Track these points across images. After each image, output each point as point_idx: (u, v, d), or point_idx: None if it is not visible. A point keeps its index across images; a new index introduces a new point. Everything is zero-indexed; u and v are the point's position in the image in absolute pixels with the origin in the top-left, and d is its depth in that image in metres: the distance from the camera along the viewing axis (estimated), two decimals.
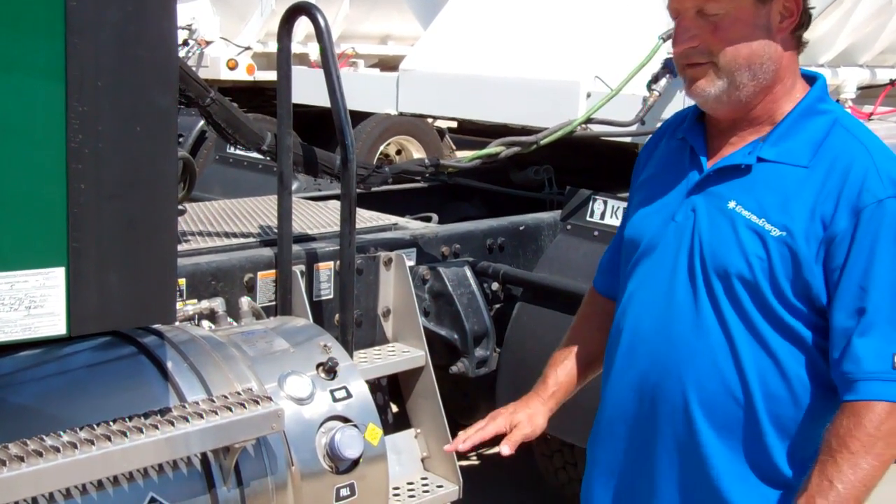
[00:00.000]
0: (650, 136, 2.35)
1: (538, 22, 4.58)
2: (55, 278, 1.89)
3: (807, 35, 2.02)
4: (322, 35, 3.04)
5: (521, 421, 2.30)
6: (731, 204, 1.94)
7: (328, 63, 3.06)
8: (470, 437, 2.30)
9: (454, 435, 3.46)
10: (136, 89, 1.94)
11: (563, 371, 2.35)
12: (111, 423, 2.13)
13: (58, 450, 2.00)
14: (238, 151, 5.15)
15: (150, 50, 1.95)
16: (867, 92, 4.90)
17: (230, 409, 2.27)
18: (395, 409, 3.85)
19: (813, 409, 1.93)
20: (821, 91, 1.99)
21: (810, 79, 2.03)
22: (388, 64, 9.44)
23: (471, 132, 7.71)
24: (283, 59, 3.19)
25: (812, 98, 1.97)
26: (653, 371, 2.04)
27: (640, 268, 2.10)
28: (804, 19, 1.96)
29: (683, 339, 1.98)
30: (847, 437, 1.81)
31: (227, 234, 3.57)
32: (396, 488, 3.36)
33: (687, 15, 1.94)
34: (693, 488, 2.02)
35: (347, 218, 3.09)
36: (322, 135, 7.97)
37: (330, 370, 2.67)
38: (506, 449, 2.25)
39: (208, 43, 8.63)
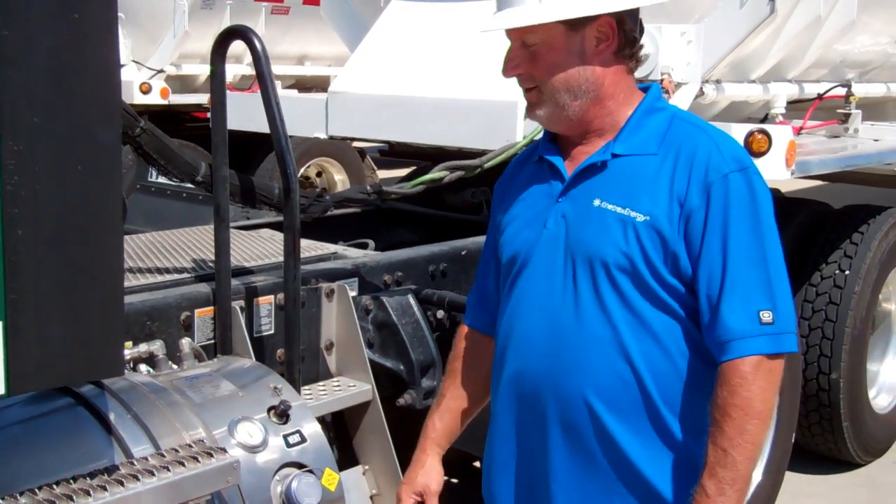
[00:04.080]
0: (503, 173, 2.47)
1: (473, 41, 4.49)
2: None
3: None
4: (259, 59, 2.90)
5: (424, 485, 2.41)
6: (597, 201, 2.09)
7: (267, 88, 2.91)
8: None
9: (404, 470, 3.37)
10: (75, 124, 1.80)
11: (444, 416, 2.47)
12: (54, 486, 1.97)
13: None
14: (161, 180, 4.96)
15: (90, 81, 1.81)
16: (796, 106, 4.94)
17: (182, 464, 2.12)
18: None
19: (695, 379, 2.07)
20: (656, 94, 2.20)
21: (646, 90, 2.23)
22: (306, 84, 9.31)
23: (404, 154, 7.61)
24: (218, 85, 3.04)
25: (650, 100, 2.17)
26: (546, 372, 2.13)
27: (520, 280, 2.20)
28: (625, 41, 2.11)
29: (572, 337, 2.09)
30: (726, 406, 1.96)
31: (158, 270, 3.39)
32: None
33: (514, 46, 2.12)
34: (604, 475, 2.11)
35: (292, 251, 2.94)
36: (239, 160, 7.79)
37: (282, 414, 2.54)
38: None
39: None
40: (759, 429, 1.97)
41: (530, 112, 2.15)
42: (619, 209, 2.05)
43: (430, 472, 2.41)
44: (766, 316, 1.97)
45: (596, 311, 2.07)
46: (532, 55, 2.08)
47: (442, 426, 2.45)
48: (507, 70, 2.13)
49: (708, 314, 2.01)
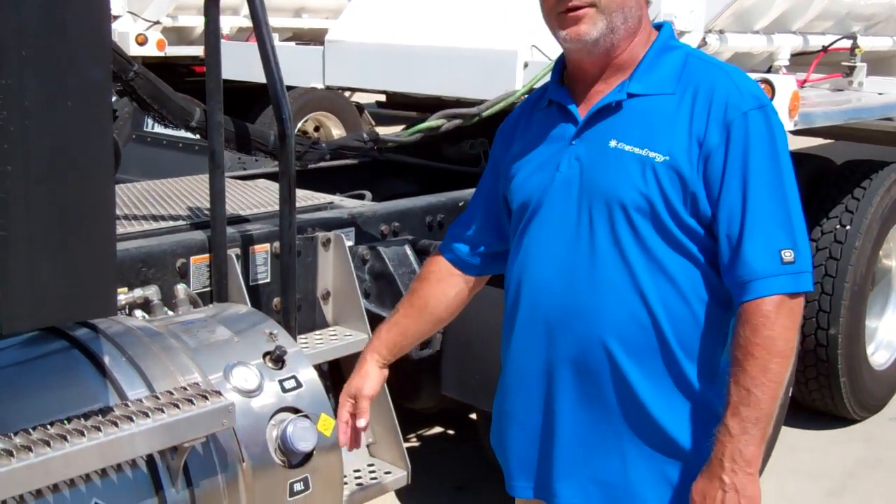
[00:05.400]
0: (506, 118, 2.42)
1: None
2: None
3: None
4: (254, 4, 2.85)
5: (358, 388, 2.38)
6: (613, 142, 2.06)
7: (262, 34, 2.87)
8: (349, 435, 2.39)
9: (399, 419, 3.38)
10: (65, 60, 1.77)
11: (392, 329, 2.43)
12: (49, 427, 1.96)
13: None
14: (156, 130, 4.92)
15: (79, 15, 1.78)
16: (800, 59, 4.89)
17: (177, 406, 2.12)
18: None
19: (712, 324, 2.07)
20: (669, 33, 2.18)
21: (658, 28, 2.20)
22: (303, 37, 9.19)
23: (401, 106, 7.54)
24: (212, 31, 2.99)
25: (664, 38, 2.15)
26: (562, 316, 2.11)
27: (532, 224, 2.18)
28: None
29: (587, 281, 2.07)
30: (748, 345, 1.95)
31: (154, 218, 3.37)
32: (343, 477, 3.22)
33: None
34: (617, 419, 2.10)
35: (287, 198, 2.92)
36: (237, 111, 7.71)
37: (278, 359, 2.53)
38: (361, 422, 2.38)
39: (115, 18, 8.27)
40: (782, 367, 1.95)
41: (575, 35, 2.03)
42: (637, 150, 2.02)
43: (365, 377, 2.39)
44: (788, 255, 1.96)
45: (613, 255, 2.05)
46: None
47: (387, 337, 2.43)
48: None
49: (728, 254, 2.00)
